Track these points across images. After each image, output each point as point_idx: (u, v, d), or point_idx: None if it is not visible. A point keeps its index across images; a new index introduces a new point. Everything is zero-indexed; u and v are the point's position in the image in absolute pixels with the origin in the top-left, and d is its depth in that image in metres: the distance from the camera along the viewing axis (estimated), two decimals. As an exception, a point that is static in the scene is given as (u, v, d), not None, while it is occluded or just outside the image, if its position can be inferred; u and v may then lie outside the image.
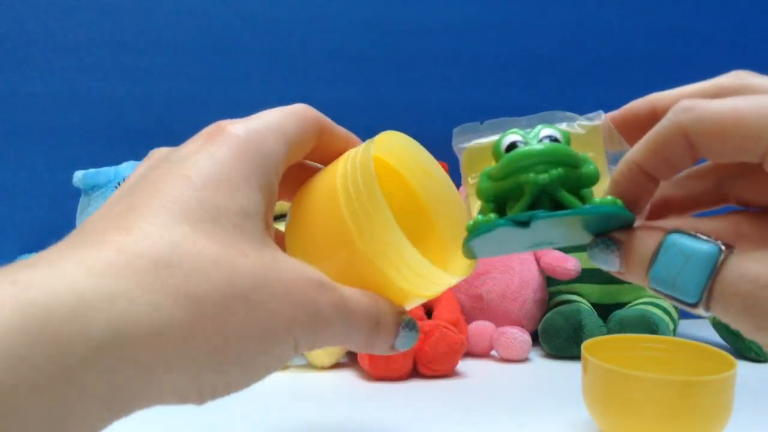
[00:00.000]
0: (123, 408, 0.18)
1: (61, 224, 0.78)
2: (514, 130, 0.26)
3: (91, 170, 0.71)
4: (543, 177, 0.24)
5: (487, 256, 0.27)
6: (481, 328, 0.76)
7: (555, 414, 0.55)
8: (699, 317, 0.81)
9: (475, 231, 0.25)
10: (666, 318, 0.74)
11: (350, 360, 0.73)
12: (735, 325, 0.21)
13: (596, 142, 0.27)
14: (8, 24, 0.85)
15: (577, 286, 0.82)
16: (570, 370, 0.69)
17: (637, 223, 0.25)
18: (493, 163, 0.26)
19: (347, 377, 0.67)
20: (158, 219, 0.19)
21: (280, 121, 0.24)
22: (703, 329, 0.81)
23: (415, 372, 0.67)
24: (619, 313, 0.75)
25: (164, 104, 0.89)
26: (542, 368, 0.72)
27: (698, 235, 0.22)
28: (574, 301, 0.79)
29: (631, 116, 0.26)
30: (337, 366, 0.71)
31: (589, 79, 0.97)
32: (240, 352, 0.19)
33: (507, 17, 0.95)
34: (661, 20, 0.98)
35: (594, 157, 0.26)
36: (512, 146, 0.25)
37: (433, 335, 0.66)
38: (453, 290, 0.81)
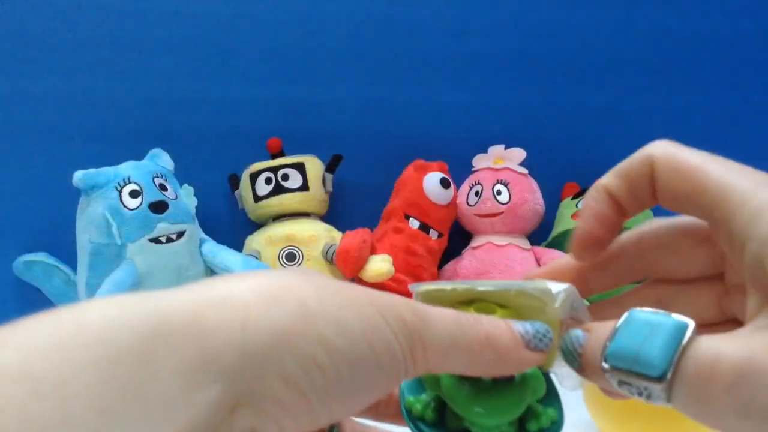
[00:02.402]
0: None
1: (61, 224, 0.78)
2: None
3: (91, 170, 0.71)
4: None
5: None
6: (481, 328, 0.76)
7: (555, 414, 0.55)
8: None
9: (406, 419, 0.25)
10: (666, 318, 0.74)
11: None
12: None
13: (550, 310, 0.24)
14: (8, 24, 0.85)
15: (577, 286, 0.82)
16: (570, 370, 0.69)
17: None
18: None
19: (347, 377, 0.67)
20: None
21: None
22: (703, 329, 0.81)
23: (415, 372, 0.67)
24: (619, 313, 0.75)
25: (164, 104, 0.89)
26: (542, 368, 0.71)
27: (660, 311, 0.21)
28: (574, 301, 0.78)
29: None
30: (337, 366, 0.71)
31: (590, 78, 0.96)
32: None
33: (507, 17, 0.95)
34: (661, 20, 0.98)
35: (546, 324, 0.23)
36: None
37: (433, 335, 0.66)
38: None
